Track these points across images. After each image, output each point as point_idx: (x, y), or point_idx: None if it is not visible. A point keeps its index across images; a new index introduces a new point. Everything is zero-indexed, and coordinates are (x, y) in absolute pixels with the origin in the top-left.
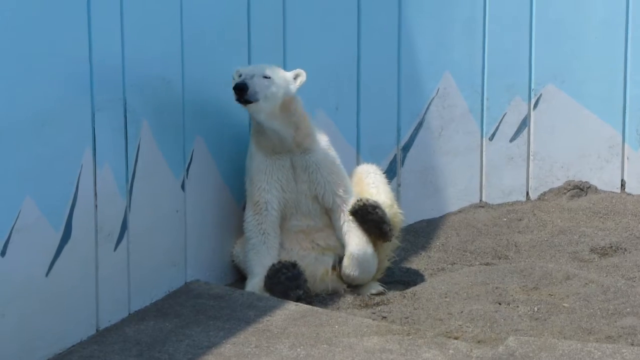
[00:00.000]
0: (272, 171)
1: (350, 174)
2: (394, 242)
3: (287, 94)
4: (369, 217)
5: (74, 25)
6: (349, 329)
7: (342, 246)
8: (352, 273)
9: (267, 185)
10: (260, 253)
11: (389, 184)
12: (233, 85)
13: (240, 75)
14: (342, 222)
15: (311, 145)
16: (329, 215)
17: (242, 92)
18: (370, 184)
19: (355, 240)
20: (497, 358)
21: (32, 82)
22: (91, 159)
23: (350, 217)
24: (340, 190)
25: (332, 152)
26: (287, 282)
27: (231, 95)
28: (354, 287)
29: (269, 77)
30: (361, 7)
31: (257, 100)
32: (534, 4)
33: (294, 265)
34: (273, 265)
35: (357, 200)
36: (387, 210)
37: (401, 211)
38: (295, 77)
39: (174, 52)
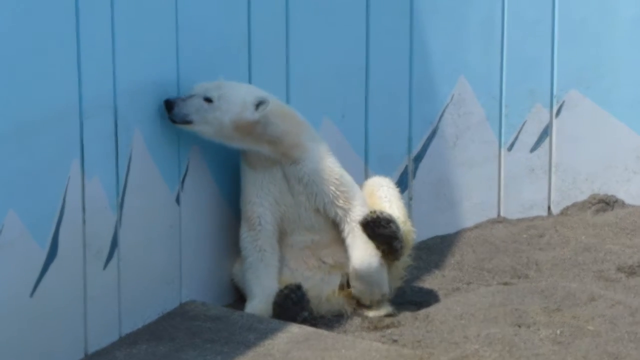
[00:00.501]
0: (263, 184)
1: (361, 186)
2: (406, 260)
3: (240, 119)
4: (380, 230)
5: (61, 26)
6: (356, 353)
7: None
8: (358, 287)
9: (257, 198)
10: (259, 272)
11: (401, 199)
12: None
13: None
14: (346, 234)
15: (301, 155)
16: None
17: (167, 110)
18: (383, 197)
19: (357, 253)
20: None
21: (16, 88)
22: (79, 170)
23: (359, 228)
24: (341, 201)
25: (329, 161)
26: (294, 307)
27: None
28: (363, 306)
29: (212, 101)
30: (370, 7)
31: (188, 122)
32: (556, 3)
33: (298, 287)
34: (281, 291)
35: (371, 212)
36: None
37: (414, 228)
38: (259, 104)
39: (168, 56)
